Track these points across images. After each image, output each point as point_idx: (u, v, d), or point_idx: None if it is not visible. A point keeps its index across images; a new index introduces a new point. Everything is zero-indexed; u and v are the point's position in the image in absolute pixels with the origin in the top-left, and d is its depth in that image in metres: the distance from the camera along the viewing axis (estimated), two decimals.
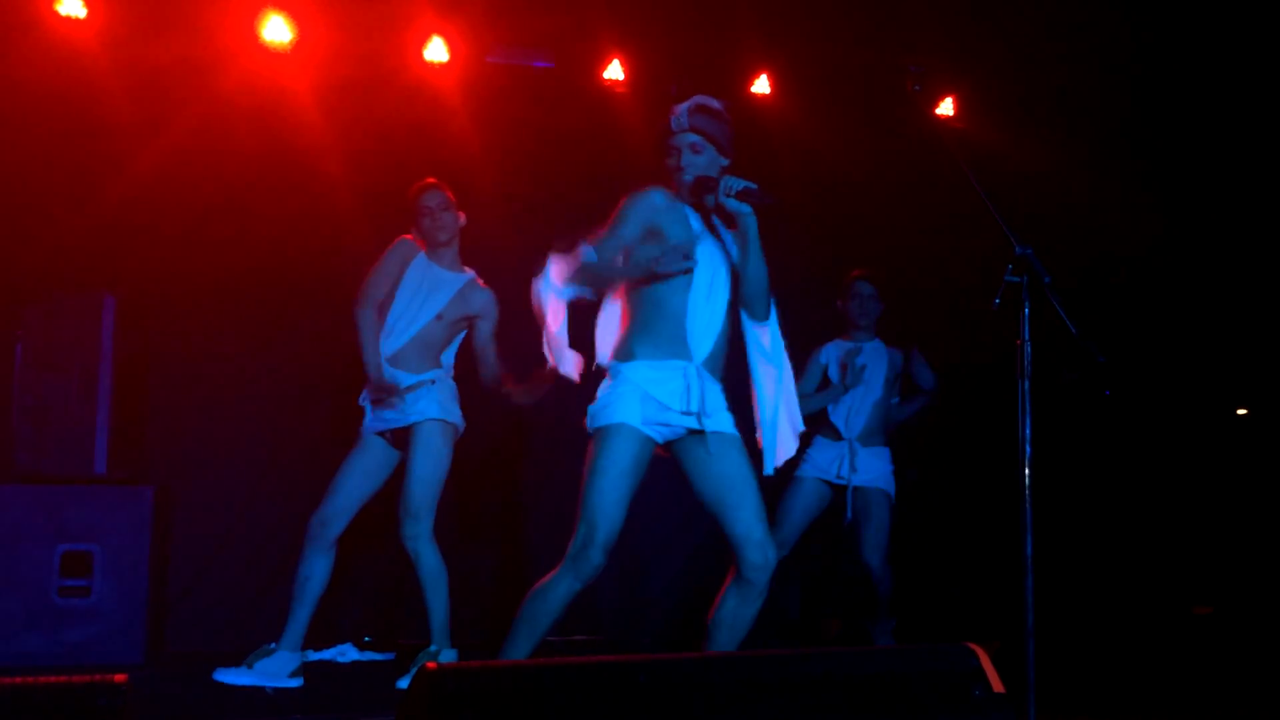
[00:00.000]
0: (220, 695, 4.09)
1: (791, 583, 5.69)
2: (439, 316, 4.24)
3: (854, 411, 4.87)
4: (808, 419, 4.99)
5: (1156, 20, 5.68)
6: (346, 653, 4.84)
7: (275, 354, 5.27)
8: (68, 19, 4.94)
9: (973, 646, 2.34)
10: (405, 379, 4.18)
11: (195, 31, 5.11)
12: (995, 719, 2.25)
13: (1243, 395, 6.42)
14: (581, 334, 3.34)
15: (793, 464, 4.99)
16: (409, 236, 4.29)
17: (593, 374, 3.32)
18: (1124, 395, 5.69)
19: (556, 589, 3.05)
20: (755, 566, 3.05)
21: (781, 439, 3.27)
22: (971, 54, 5.90)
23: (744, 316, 3.29)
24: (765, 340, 3.29)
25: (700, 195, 3.22)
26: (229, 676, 4.02)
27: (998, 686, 2.29)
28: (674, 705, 2.08)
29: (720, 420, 3.18)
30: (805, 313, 5.11)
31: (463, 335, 4.35)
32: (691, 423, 3.13)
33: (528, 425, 5.36)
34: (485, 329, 4.30)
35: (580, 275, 3.15)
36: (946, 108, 6.03)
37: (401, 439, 4.21)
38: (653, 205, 3.22)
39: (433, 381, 4.20)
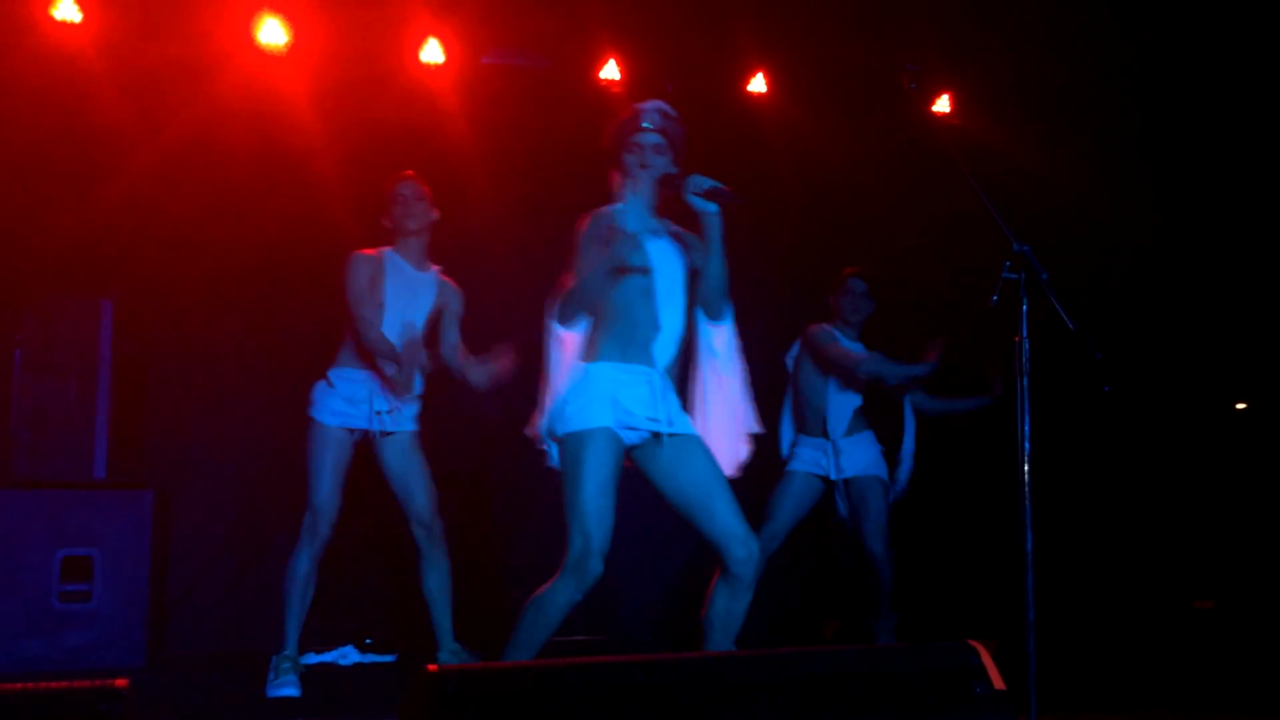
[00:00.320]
0: (221, 698, 4.10)
1: (793, 583, 5.69)
2: (428, 319, 4.24)
3: (841, 412, 4.88)
4: (798, 417, 4.98)
5: (1152, 16, 5.68)
6: (348, 655, 4.84)
7: (274, 356, 5.27)
8: (63, 23, 4.93)
9: (973, 644, 2.35)
10: (387, 401, 4.21)
11: (190, 35, 5.11)
12: (996, 716, 2.26)
13: (1241, 390, 6.42)
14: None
15: (781, 460, 5.00)
16: (364, 251, 4.25)
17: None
18: (1123, 391, 5.69)
19: (556, 599, 3.02)
20: (741, 561, 3.04)
21: (727, 442, 3.26)
22: (967, 51, 5.90)
23: (699, 315, 3.28)
24: (718, 341, 3.28)
25: (663, 193, 3.20)
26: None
27: (998, 683, 2.29)
28: (674, 705, 2.08)
29: (681, 423, 3.19)
30: (805, 311, 5.13)
31: None
32: (656, 428, 3.12)
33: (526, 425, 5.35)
34: (454, 307, 4.29)
35: (572, 303, 3.16)
36: (943, 105, 6.03)
37: (366, 442, 4.21)
38: (605, 223, 3.22)
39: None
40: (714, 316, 3.27)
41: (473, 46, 5.49)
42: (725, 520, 3.06)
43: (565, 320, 3.18)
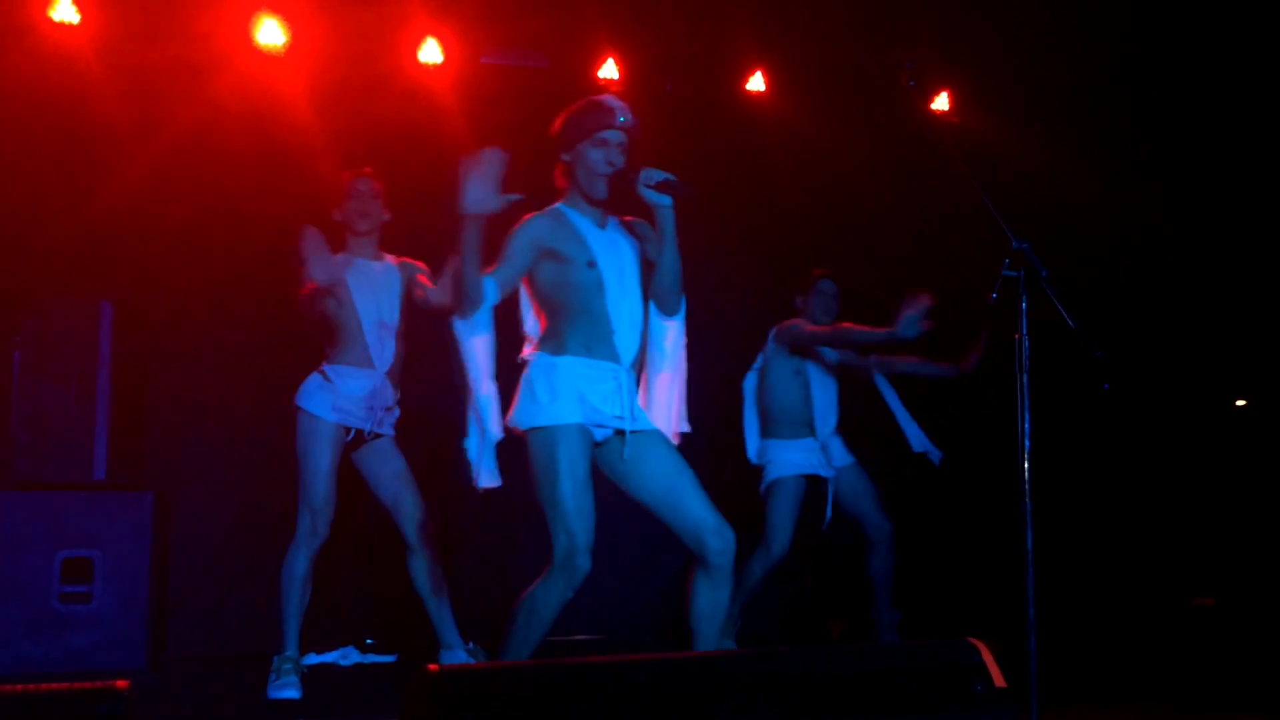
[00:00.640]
0: (222, 700, 4.10)
1: (799, 583, 5.69)
2: (401, 306, 4.24)
3: (827, 409, 4.88)
4: (780, 418, 4.94)
5: (1152, 14, 5.68)
6: (348, 655, 4.85)
7: (274, 357, 5.26)
8: (61, 24, 4.93)
9: (974, 641, 2.35)
10: (394, 393, 4.23)
11: (189, 36, 5.11)
12: (997, 713, 2.26)
13: (1242, 387, 6.42)
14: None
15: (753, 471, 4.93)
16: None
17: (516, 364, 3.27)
18: (1122, 388, 5.69)
19: (548, 598, 3.01)
20: (718, 552, 3.02)
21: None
22: (966, 49, 5.90)
23: (652, 310, 3.26)
24: (669, 336, 3.26)
25: (617, 185, 3.17)
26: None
27: (999, 681, 2.29)
28: (675, 704, 2.08)
29: (644, 420, 3.18)
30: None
31: None
32: (622, 425, 3.11)
33: None
34: (414, 273, 4.28)
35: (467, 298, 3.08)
36: (942, 102, 6.03)
37: (356, 441, 4.22)
38: (538, 231, 3.19)
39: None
40: (666, 311, 3.25)
41: (471, 46, 5.48)
42: (696, 512, 3.04)
43: (464, 316, 3.10)
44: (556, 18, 5.49)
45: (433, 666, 2.00)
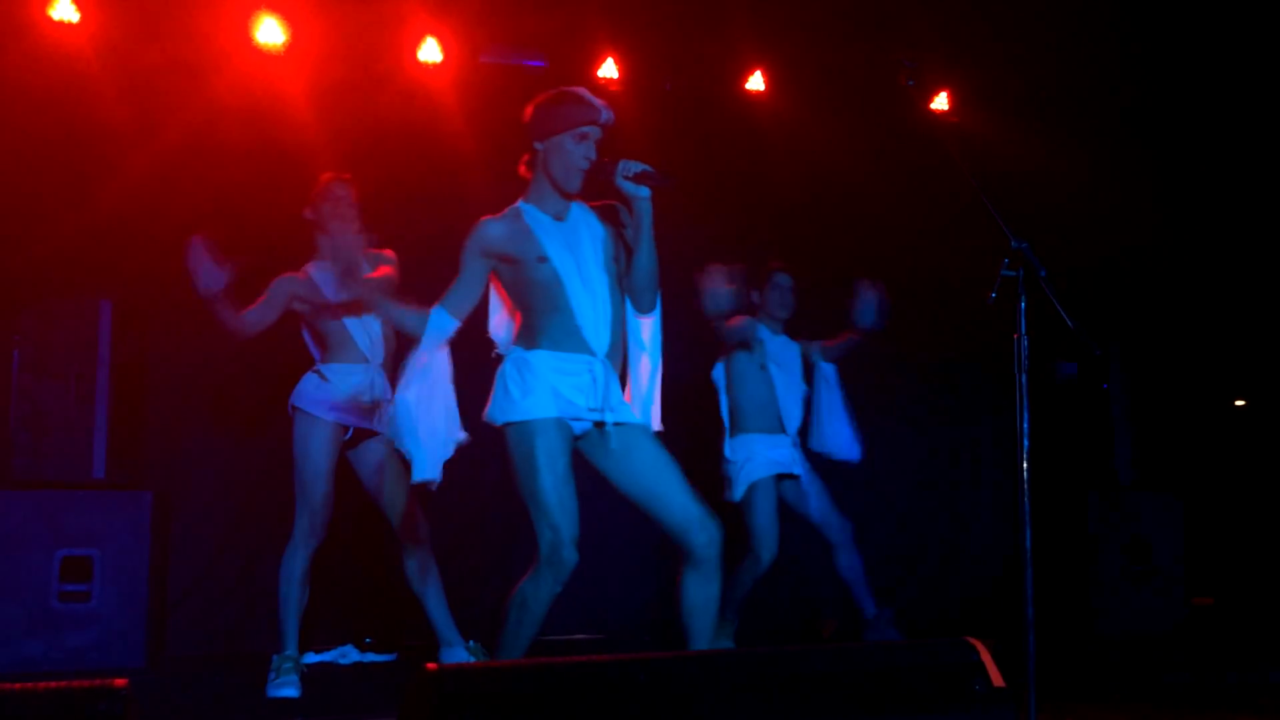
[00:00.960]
0: (220, 699, 4.10)
1: (788, 583, 5.68)
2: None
3: (792, 407, 4.84)
4: (751, 410, 4.89)
5: (1151, 13, 5.68)
6: (348, 654, 4.85)
7: (273, 356, 5.25)
8: (61, 23, 4.93)
9: (973, 641, 2.35)
10: (389, 389, 4.22)
11: (189, 34, 5.11)
12: (996, 713, 2.26)
13: (1241, 386, 6.42)
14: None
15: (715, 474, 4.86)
16: (291, 274, 4.24)
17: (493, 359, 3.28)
18: (1122, 387, 5.70)
19: (538, 594, 3.02)
20: (704, 545, 3.02)
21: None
22: (966, 49, 5.90)
23: (628, 307, 3.22)
24: (645, 334, 3.22)
25: (594, 179, 3.15)
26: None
27: (998, 680, 2.29)
28: (674, 703, 2.08)
29: (625, 412, 3.15)
30: (803, 308, 5.13)
31: None
32: (598, 418, 3.11)
33: None
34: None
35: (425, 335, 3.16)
36: (941, 102, 6.03)
37: (352, 441, 4.22)
38: (485, 238, 3.17)
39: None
40: (640, 308, 3.20)
41: (471, 46, 5.48)
42: (681, 506, 3.03)
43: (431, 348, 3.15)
44: (556, 17, 5.48)
45: (431, 666, 2.00)
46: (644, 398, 3.20)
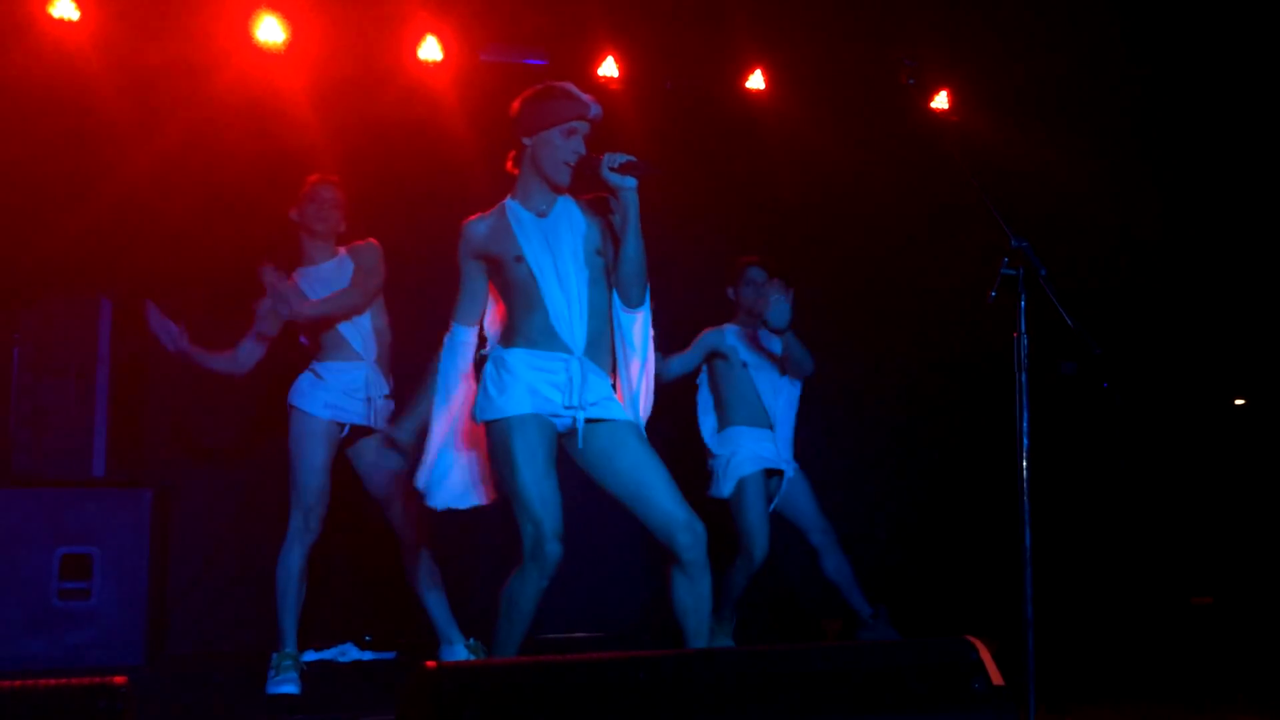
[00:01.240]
0: (220, 697, 4.10)
1: (793, 583, 5.69)
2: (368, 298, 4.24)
3: (778, 406, 4.79)
4: (738, 404, 4.85)
5: (1151, 12, 5.68)
6: (347, 652, 4.85)
7: (273, 354, 5.26)
8: (61, 21, 4.93)
9: (972, 639, 2.35)
10: (387, 381, 4.23)
11: (189, 33, 5.10)
12: (995, 711, 2.26)
13: (1241, 385, 6.42)
14: None
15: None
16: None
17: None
18: (1122, 386, 5.69)
19: (525, 589, 3.01)
20: (688, 547, 3.00)
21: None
22: (966, 48, 5.90)
23: (616, 302, 3.18)
24: (636, 329, 3.19)
25: (581, 174, 3.14)
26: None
27: (997, 679, 2.29)
28: (673, 701, 2.08)
29: (609, 408, 3.14)
30: (803, 307, 5.12)
31: None
32: (575, 414, 3.10)
33: None
34: (362, 260, 4.28)
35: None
36: (941, 101, 6.03)
37: (350, 439, 4.23)
38: (472, 241, 3.24)
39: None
40: (628, 302, 3.17)
41: (471, 44, 5.48)
42: (665, 507, 3.02)
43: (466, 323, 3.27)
44: (556, 15, 5.49)
45: (430, 663, 2.00)
46: (633, 394, 3.19)
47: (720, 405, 4.82)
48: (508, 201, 3.27)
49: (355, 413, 4.17)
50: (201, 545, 5.10)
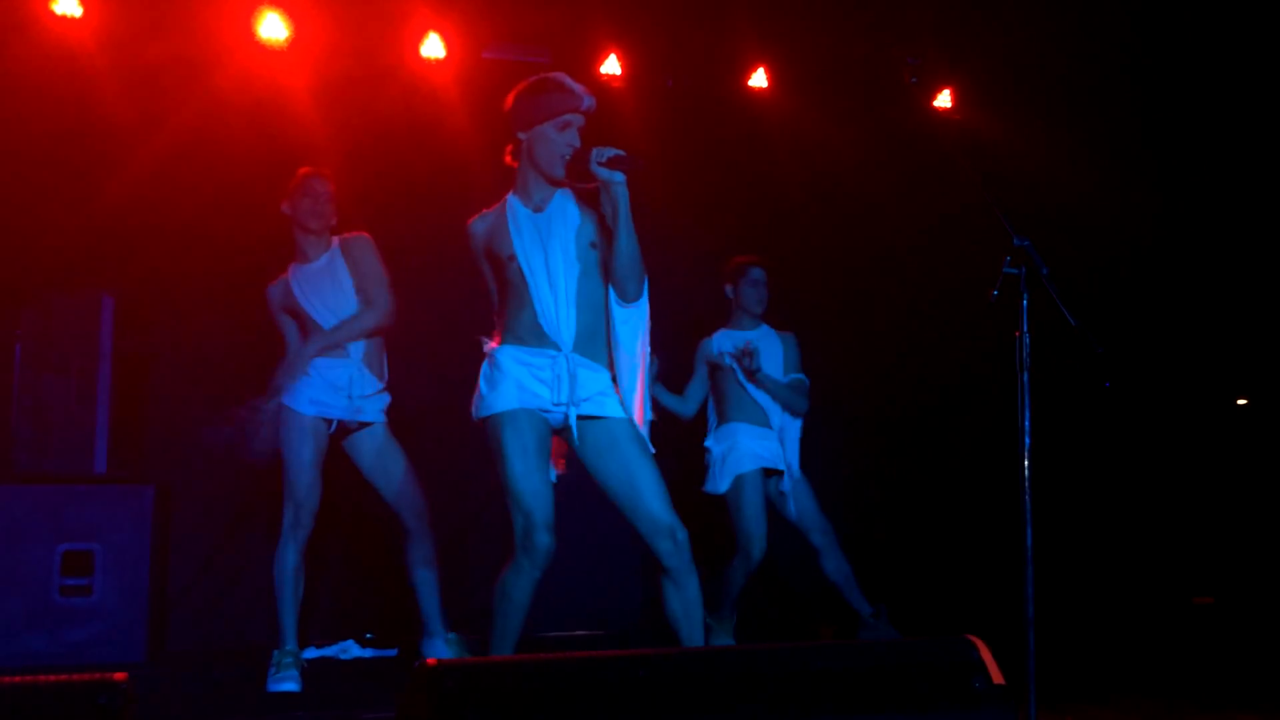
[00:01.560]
0: (221, 694, 4.10)
1: (788, 587, 5.68)
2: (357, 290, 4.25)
3: (776, 407, 4.79)
4: (736, 401, 4.82)
5: (1154, 10, 5.67)
6: (349, 649, 4.85)
7: (274, 351, 5.25)
8: (63, 18, 4.93)
9: (973, 638, 2.34)
10: (373, 382, 4.22)
11: (191, 30, 5.11)
12: (996, 710, 2.26)
13: (1243, 385, 6.42)
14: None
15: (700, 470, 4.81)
16: (271, 285, 4.31)
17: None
18: (1124, 386, 5.69)
19: (518, 580, 3.05)
20: (669, 554, 3.02)
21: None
22: (969, 46, 5.89)
23: (611, 296, 3.15)
24: (629, 324, 3.16)
25: (576, 168, 3.13)
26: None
27: (998, 678, 2.29)
28: (673, 699, 2.08)
29: (603, 405, 3.15)
30: (805, 306, 5.13)
31: None
32: (562, 411, 3.12)
33: None
34: (358, 254, 4.29)
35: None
36: (944, 100, 6.03)
37: (337, 435, 4.24)
38: (474, 240, 3.32)
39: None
40: (624, 297, 3.14)
41: (473, 41, 5.48)
42: (648, 511, 3.04)
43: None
44: (559, 13, 5.48)
45: (431, 661, 2.00)
46: (627, 390, 3.18)
47: (718, 404, 4.83)
48: (508, 197, 3.28)
49: (339, 408, 4.17)
50: (202, 542, 5.11)
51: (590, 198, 3.25)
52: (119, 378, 4.63)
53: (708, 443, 4.80)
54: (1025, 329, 3.16)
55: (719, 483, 4.67)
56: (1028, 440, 3.14)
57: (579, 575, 5.34)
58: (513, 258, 3.17)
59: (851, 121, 5.91)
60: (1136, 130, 6.13)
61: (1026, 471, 3.15)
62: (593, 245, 3.19)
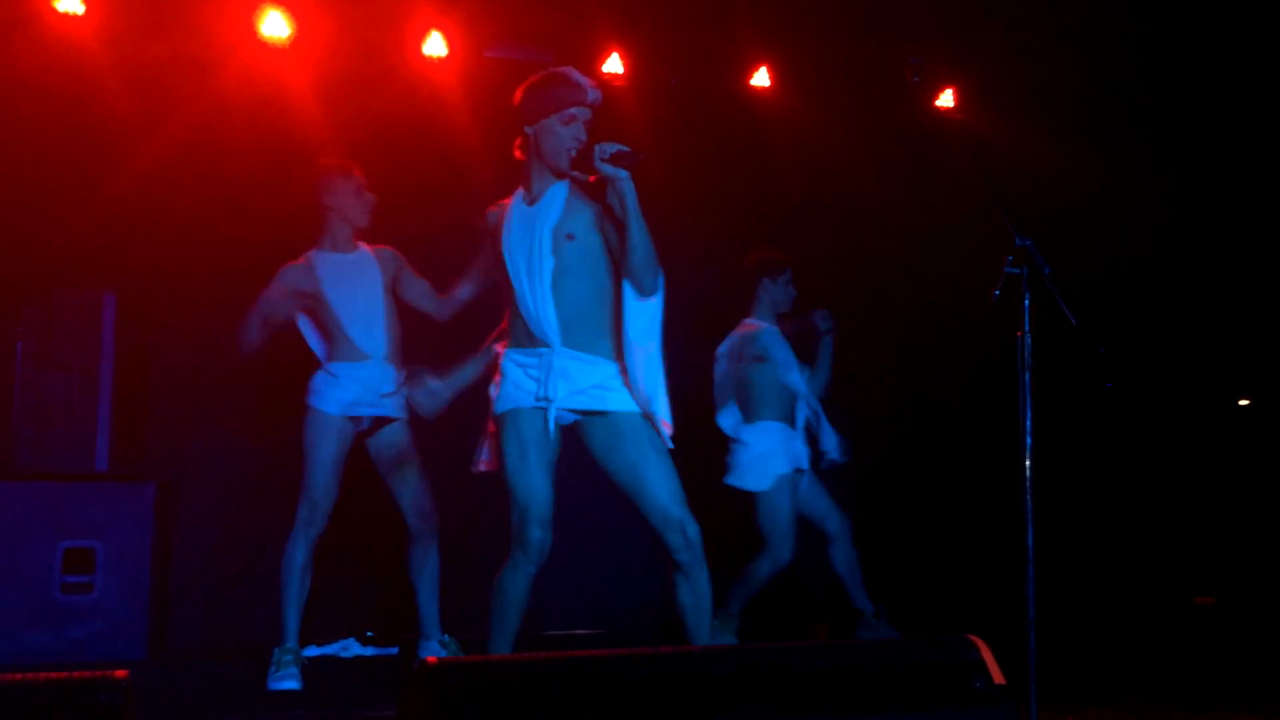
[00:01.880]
0: (222, 691, 4.10)
1: (782, 587, 5.67)
2: (385, 292, 4.27)
3: (801, 403, 4.80)
4: (768, 397, 4.85)
5: (1157, 10, 5.66)
6: (349, 647, 4.85)
7: (276, 349, 5.26)
8: (66, 15, 4.93)
9: (974, 638, 2.34)
10: (397, 375, 4.22)
11: (194, 28, 5.11)
12: (996, 710, 2.26)
13: (1245, 386, 6.41)
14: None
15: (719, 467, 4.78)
16: (294, 262, 4.27)
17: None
18: (1126, 386, 5.69)
19: (514, 576, 3.10)
20: (681, 548, 3.04)
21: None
22: (971, 46, 5.89)
23: (627, 290, 3.13)
24: (645, 318, 3.13)
25: (580, 162, 3.14)
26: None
27: (999, 678, 2.29)
28: (674, 699, 2.08)
29: (602, 399, 3.14)
30: (807, 305, 5.12)
31: None
32: (547, 406, 3.12)
33: None
34: (397, 270, 4.31)
35: None
36: (946, 99, 6.02)
37: (370, 430, 4.25)
38: (485, 229, 3.36)
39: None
40: (641, 291, 3.10)
41: (476, 40, 5.48)
42: (659, 505, 3.05)
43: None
44: (561, 12, 5.48)
45: (432, 659, 2.00)
46: (642, 385, 3.12)
47: (749, 400, 4.76)
48: (516, 193, 3.30)
49: (369, 406, 4.19)
50: (204, 539, 5.11)
51: (595, 191, 3.23)
52: (120, 375, 4.63)
53: (744, 436, 4.72)
54: (1027, 329, 3.16)
55: (757, 480, 4.64)
56: (1029, 440, 3.13)
57: (580, 574, 5.34)
58: (500, 256, 3.22)
59: (854, 121, 5.91)
60: (1139, 129, 6.13)
61: (1028, 471, 3.14)
62: (569, 237, 3.14)
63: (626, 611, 5.61)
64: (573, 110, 3.15)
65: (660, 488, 3.05)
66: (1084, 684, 4.28)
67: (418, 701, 1.99)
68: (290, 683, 3.97)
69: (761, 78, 5.85)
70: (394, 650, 4.89)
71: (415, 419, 4.30)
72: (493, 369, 3.31)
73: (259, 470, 5.18)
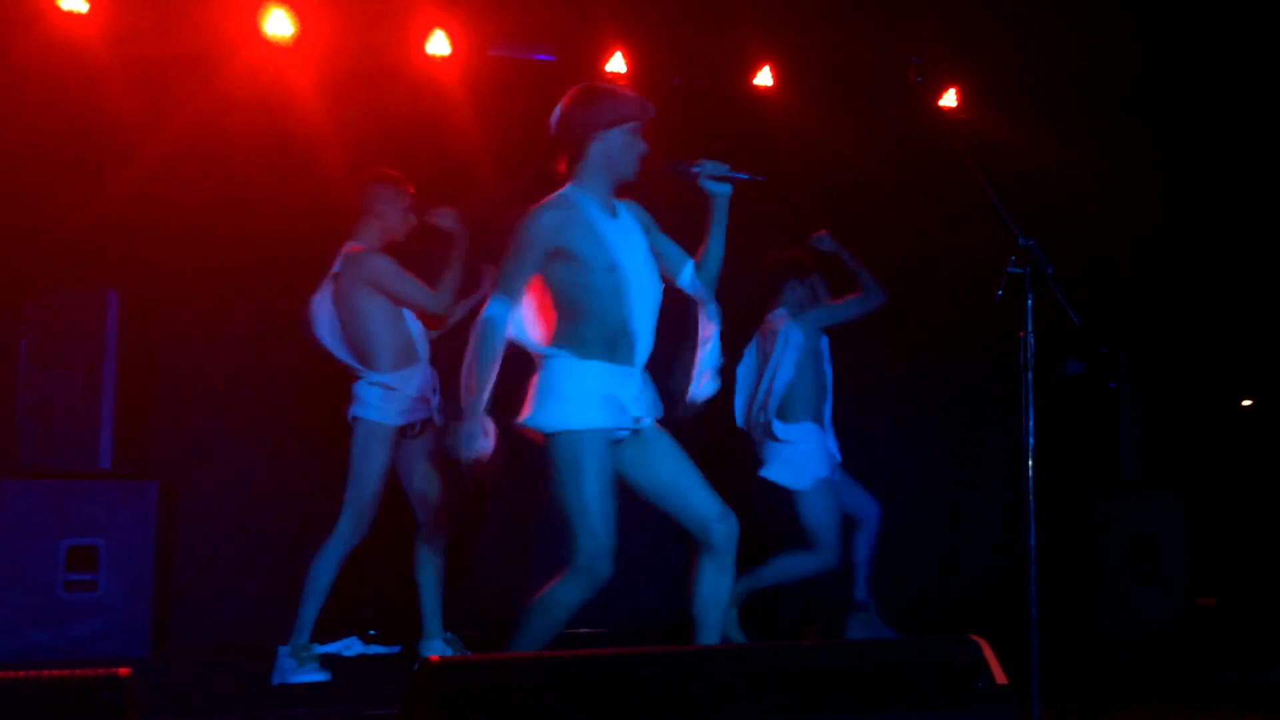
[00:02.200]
0: (225, 688, 4.11)
1: (766, 591, 5.67)
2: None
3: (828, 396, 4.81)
4: (808, 396, 4.84)
5: (1159, 10, 5.66)
6: (352, 646, 4.86)
7: (279, 347, 5.27)
8: (70, 14, 4.94)
9: (976, 638, 2.34)
10: (435, 376, 4.29)
11: (197, 26, 5.11)
12: (998, 710, 2.26)
13: (1247, 386, 6.41)
14: None
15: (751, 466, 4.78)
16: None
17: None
18: (1127, 386, 5.68)
19: (566, 600, 3.00)
20: (725, 536, 3.07)
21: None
22: (974, 45, 5.88)
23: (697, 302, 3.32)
24: (711, 325, 3.30)
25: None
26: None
27: (1001, 678, 2.29)
28: (676, 698, 2.08)
29: (657, 410, 3.23)
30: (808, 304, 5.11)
31: None
32: (637, 425, 3.13)
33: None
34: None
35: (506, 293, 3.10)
36: (949, 99, 6.02)
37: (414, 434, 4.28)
38: (545, 228, 3.07)
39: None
40: (709, 297, 3.30)
41: (479, 39, 5.48)
42: (702, 502, 3.09)
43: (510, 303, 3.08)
44: (564, 11, 5.48)
45: (434, 658, 2.01)
46: (697, 387, 3.26)
47: (786, 401, 4.71)
48: (574, 193, 3.16)
49: (421, 411, 4.24)
50: (207, 537, 5.11)
51: (635, 208, 3.31)
52: (124, 373, 4.64)
53: (789, 435, 4.69)
54: (1029, 329, 3.15)
55: (796, 479, 4.62)
56: (1031, 440, 3.13)
57: None
58: (613, 268, 3.07)
59: (856, 120, 5.90)
60: (1142, 129, 6.12)
61: (1030, 471, 3.14)
62: (655, 253, 3.26)
63: (628, 610, 5.61)
64: (639, 125, 3.19)
65: (699, 485, 3.11)
66: (1086, 684, 4.28)
67: (420, 700, 1.99)
68: (319, 674, 4.01)
69: (764, 77, 5.84)
70: (396, 649, 4.89)
71: None
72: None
73: (262, 468, 5.19)
